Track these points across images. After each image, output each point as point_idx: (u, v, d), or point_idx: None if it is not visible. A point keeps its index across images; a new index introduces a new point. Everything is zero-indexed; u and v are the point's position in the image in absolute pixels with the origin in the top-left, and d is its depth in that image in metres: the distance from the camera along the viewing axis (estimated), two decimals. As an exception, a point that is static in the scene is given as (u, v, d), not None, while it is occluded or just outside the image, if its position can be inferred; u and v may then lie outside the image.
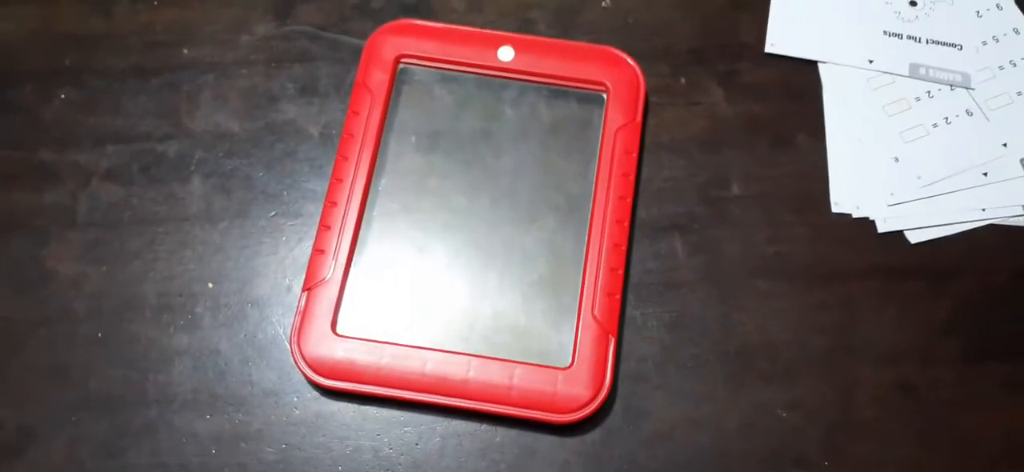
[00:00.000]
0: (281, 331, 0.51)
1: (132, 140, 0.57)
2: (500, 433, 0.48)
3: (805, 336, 0.50)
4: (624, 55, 0.56)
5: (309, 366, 0.47)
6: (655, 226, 0.53)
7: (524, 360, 0.47)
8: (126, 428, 0.48)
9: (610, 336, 0.48)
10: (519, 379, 0.47)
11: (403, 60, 0.56)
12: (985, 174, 0.54)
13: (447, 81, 0.56)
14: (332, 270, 0.50)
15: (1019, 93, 0.57)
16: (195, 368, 0.50)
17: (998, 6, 0.60)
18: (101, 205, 0.54)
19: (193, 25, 0.61)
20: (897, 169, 0.55)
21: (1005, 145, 0.55)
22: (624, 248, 0.50)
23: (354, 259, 0.51)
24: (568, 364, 0.47)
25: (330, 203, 0.52)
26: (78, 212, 0.54)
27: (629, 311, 0.51)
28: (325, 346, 0.48)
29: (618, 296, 0.49)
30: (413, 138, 0.55)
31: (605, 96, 0.55)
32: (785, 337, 0.50)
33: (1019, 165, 0.55)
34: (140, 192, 0.55)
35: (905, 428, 0.48)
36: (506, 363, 0.47)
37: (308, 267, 0.50)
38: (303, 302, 0.49)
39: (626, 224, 0.51)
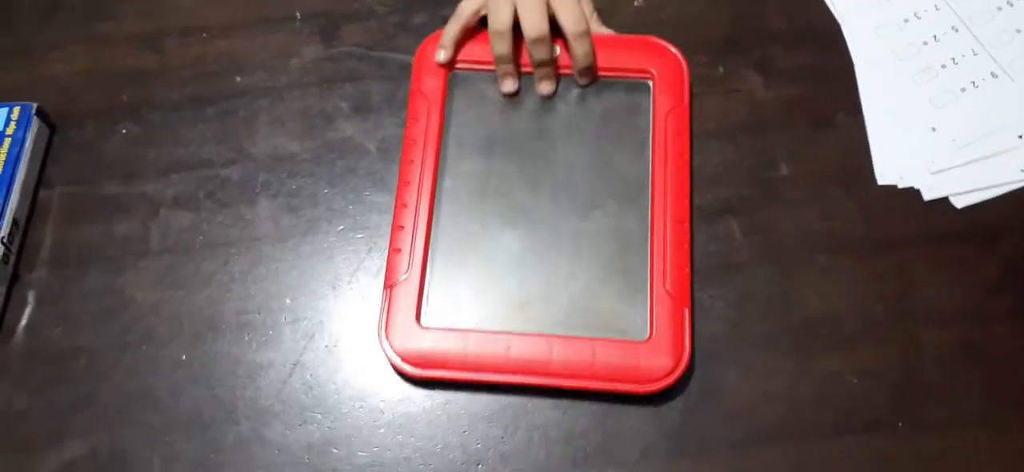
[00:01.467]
0: (360, 339, 0.52)
1: (195, 167, 0.58)
2: (583, 419, 0.49)
3: (865, 305, 0.52)
4: (665, 43, 0.58)
5: (400, 358, 0.49)
6: (710, 210, 0.55)
7: (604, 336, 0.49)
8: (218, 445, 0.50)
9: (684, 308, 0.50)
10: (601, 355, 0.48)
11: (456, 66, 0.58)
12: (1020, 136, 0.57)
13: (498, 81, 0.58)
14: (409, 267, 0.51)
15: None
16: (281, 381, 0.51)
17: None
18: (172, 232, 0.56)
19: (243, 54, 0.63)
20: (934, 138, 0.57)
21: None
22: (687, 223, 0.52)
23: (430, 255, 0.52)
24: (647, 337, 0.49)
25: (401, 205, 0.53)
26: (150, 240, 0.56)
27: (696, 294, 0.52)
28: (412, 338, 0.49)
29: (687, 270, 0.51)
30: (471, 137, 0.57)
31: (651, 83, 0.57)
32: (846, 307, 0.52)
33: (1051, 125, 0.57)
34: (209, 217, 0.56)
35: (970, 385, 0.50)
36: (587, 340, 0.49)
37: (387, 266, 0.52)
38: (386, 300, 0.50)
39: (686, 201, 0.53)
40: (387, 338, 0.50)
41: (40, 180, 0.58)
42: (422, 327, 0.50)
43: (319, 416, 0.50)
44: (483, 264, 0.53)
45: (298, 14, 0.64)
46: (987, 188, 0.55)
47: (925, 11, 0.62)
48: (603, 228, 0.53)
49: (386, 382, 0.51)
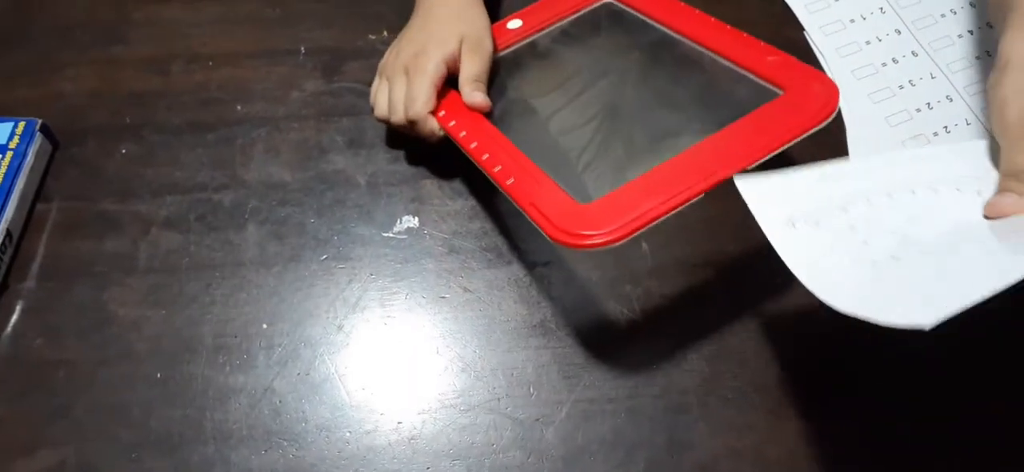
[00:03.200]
0: (331, 368, 0.53)
1: (189, 190, 0.60)
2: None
3: (842, 363, 0.52)
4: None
5: (597, 234, 0.46)
6: (692, 262, 0.55)
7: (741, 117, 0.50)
8: (185, 465, 0.50)
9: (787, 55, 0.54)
10: (755, 126, 0.49)
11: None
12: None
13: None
14: (534, 178, 0.50)
15: None
16: (251, 406, 0.52)
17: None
18: (160, 252, 0.57)
19: (246, 83, 0.65)
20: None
21: None
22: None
23: (540, 162, 0.52)
24: (784, 91, 0.51)
25: (488, 162, 0.53)
26: (139, 258, 0.57)
27: (669, 337, 0.52)
28: (589, 217, 0.47)
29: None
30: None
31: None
32: (821, 366, 0.52)
33: None
34: (197, 239, 0.58)
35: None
36: (731, 127, 0.49)
37: (514, 192, 0.50)
38: (536, 210, 0.48)
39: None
40: (572, 231, 0.46)
41: (39, 194, 0.60)
42: (587, 204, 0.48)
43: (285, 443, 0.50)
44: (587, 144, 0.54)
45: (303, 48, 0.66)
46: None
47: (921, 80, 0.62)
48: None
49: (353, 413, 0.51)
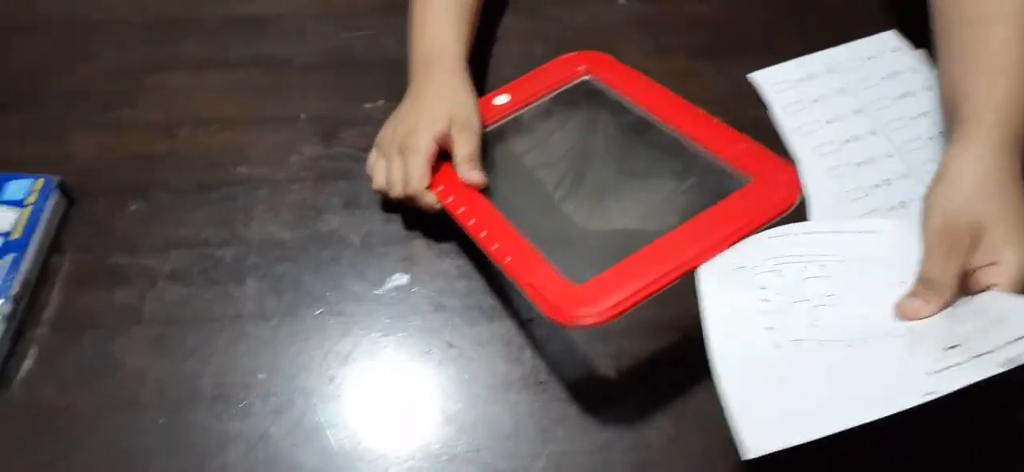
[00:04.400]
0: (324, 418, 0.56)
1: (194, 246, 0.64)
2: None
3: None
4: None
5: (591, 314, 0.51)
6: (659, 326, 0.59)
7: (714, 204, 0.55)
8: (184, 507, 0.53)
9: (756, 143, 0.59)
10: (728, 212, 0.54)
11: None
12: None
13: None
14: (528, 259, 0.55)
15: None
16: (246, 452, 0.55)
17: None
18: (165, 304, 0.61)
19: (248, 147, 0.69)
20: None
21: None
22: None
23: (534, 240, 0.56)
24: (753, 179, 0.56)
25: (485, 239, 0.58)
26: (145, 310, 0.61)
27: (638, 399, 0.56)
28: (582, 297, 0.52)
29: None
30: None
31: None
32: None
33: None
34: (200, 292, 0.61)
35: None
36: (705, 214, 0.54)
37: (511, 270, 0.55)
38: (532, 294, 0.53)
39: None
40: (567, 311, 0.51)
41: (54, 246, 0.64)
42: (580, 285, 0.52)
43: (279, 488, 0.54)
44: (577, 226, 0.59)
45: (302, 115, 0.71)
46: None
47: (878, 157, 0.67)
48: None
49: (342, 461, 0.54)
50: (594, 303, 0.51)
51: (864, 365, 0.45)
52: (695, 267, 0.52)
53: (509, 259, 0.55)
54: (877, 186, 0.65)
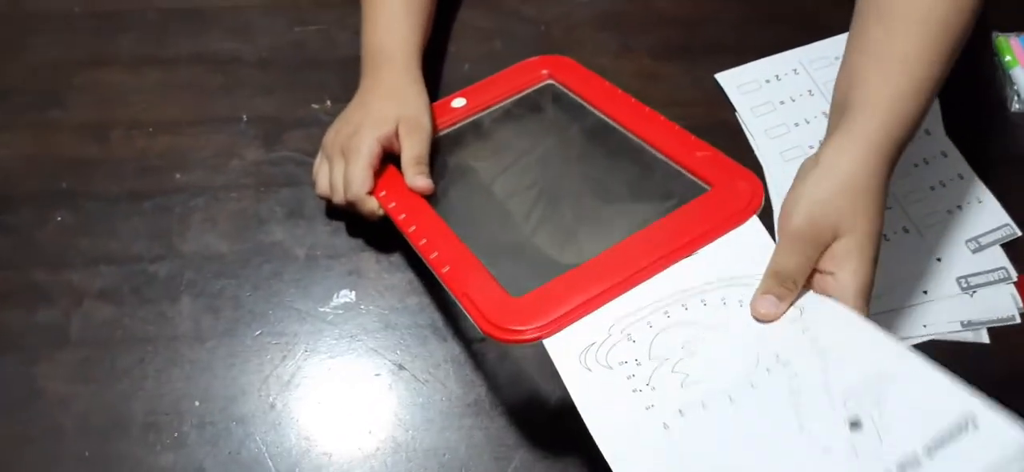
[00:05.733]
0: (264, 448, 0.52)
1: (124, 261, 0.59)
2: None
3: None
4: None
5: (531, 329, 0.47)
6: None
7: (667, 213, 0.52)
8: (110, 547, 0.50)
9: (713, 149, 0.56)
10: (680, 223, 0.51)
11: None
12: (925, 292, 0.59)
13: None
14: (467, 267, 0.51)
15: (949, 211, 0.62)
16: (180, 486, 0.51)
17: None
18: (93, 324, 0.57)
19: (186, 151, 0.65)
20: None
21: (939, 260, 0.60)
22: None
23: (475, 249, 0.52)
24: (711, 187, 0.53)
25: (425, 247, 0.54)
26: (70, 331, 0.56)
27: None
28: (520, 311, 0.48)
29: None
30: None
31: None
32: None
33: (955, 283, 0.59)
34: (131, 312, 0.57)
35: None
36: (657, 224, 0.51)
37: (448, 280, 0.51)
38: (469, 303, 0.49)
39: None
40: (502, 326, 0.47)
41: (-31, 262, 0.59)
42: (518, 298, 0.49)
43: (213, 525, 0.50)
44: (523, 235, 0.55)
45: (244, 117, 0.66)
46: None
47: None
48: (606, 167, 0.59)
49: (283, 495, 0.51)
50: (533, 318, 0.47)
51: (756, 428, 0.42)
52: (646, 279, 0.48)
53: (447, 268, 0.51)
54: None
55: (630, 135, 0.59)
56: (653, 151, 0.57)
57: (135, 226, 0.61)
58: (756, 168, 0.64)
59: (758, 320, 0.46)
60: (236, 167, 0.64)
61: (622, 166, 0.59)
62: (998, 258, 0.59)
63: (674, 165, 0.56)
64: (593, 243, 0.52)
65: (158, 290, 0.58)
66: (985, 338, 0.57)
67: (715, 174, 0.54)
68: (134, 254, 0.60)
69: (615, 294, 0.48)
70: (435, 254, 0.52)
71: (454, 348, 0.56)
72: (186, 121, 0.66)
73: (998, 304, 0.57)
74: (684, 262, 0.49)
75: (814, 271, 0.47)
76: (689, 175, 0.55)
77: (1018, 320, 0.57)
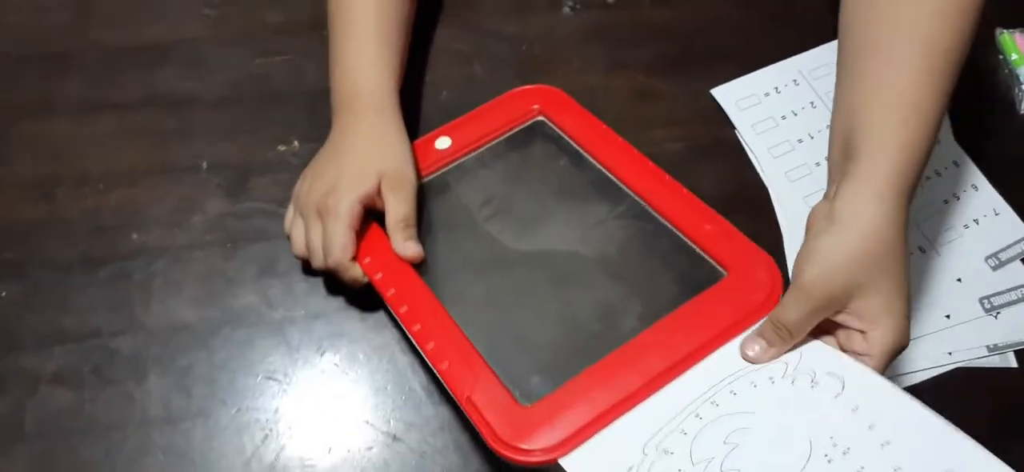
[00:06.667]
0: (251, 541, 0.48)
1: (82, 338, 0.54)
2: None
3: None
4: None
5: (544, 452, 0.43)
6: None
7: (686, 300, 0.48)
8: None
9: (733, 228, 0.51)
10: (697, 313, 0.47)
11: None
12: (948, 316, 0.55)
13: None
14: (475, 371, 0.46)
15: (966, 226, 0.58)
16: None
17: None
18: (50, 413, 0.51)
19: (142, 207, 0.59)
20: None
21: (959, 280, 0.56)
22: None
23: (480, 346, 0.48)
24: (727, 273, 0.49)
25: (420, 336, 0.49)
26: (25, 422, 0.51)
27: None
28: (532, 422, 0.44)
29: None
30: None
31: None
32: None
33: (978, 305, 0.56)
34: (93, 395, 0.52)
35: None
36: (674, 314, 0.47)
37: (451, 383, 0.46)
38: (476, 412, 0.45)
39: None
40: (511, 443, 0.43)
41: (-95, 349, 0.53)
42: (528, 406, 0.45)
43: None
44: (527, 320, 0.50)
45: (204, 163, 0.61)
46: (912, 372, 0.54)
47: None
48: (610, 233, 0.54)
49: None
50: (547, 431, 0.43)
51: None
52: (668, 383, 0.45)
53: (446, 365, 0.47)
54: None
55: (636, 197, 0.54)
56: (662, 220, 0.53)
57: (91, 297, 0.55)
58: (761, 190, 0.60)
59: (745, 359, 0.45)
60: (199, 222, 0.58)
61: (630, 237, 0.54)
62: (1019, 274, 0.56)
63: (685, 240, 0.52)
64: (605, 334, 0.48)
65: (121, 369, 0.53)
66: (1012, 362, 0.54)
67: (729, 256, 0.50)
68: (92, 329, 0.54)
69: (636, 402, 0.44)
70: (431, 345, 0.48)
71: (449, 413, 0.52)
72: (141, 172, 0.61)
73: (1021, 325, 0.54)
74: (706, 360, 0.46)
75: (838, 327, 0.45)
76: (702, 254, 0.51)
77: (1045, 341, 0.54)
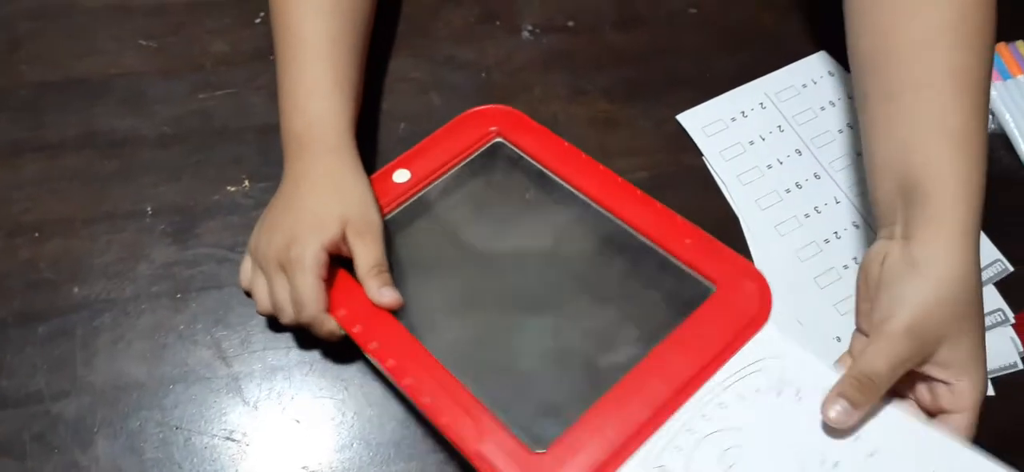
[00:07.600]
0: None
1: (20, 403, 0.50)
2: None
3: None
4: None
5: None
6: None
7: (679, 321, 0.46)
8: None
9: (715, 240, 0.50)
10: (696, 331, 0.46)
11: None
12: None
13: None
14: (479, 422, 0.44)
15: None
16: None
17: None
18: (-14, 490, 0.47)
19: (82, 257, 0.55)
20: (840, 347, 0.54)
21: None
22: None
23: (479, 394, 0.45)
24: (716, 289, 0.48)
25: (413, 390, 0.46)
26: (-42, 503, 0.47)
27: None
28: (547, 464, 0.42)
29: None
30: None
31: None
32: None
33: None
34: (36, 466, 0.48)
35: None
36: (674, 335, 0.46)
37: (455, 436, 0.44)
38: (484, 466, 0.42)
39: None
40: None
41: None
42: (542, 453, 0.42)
43: None
44: (521, 358, 0.48)
45: (149, 208, 0.57)
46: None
47: (826, 205, 0.60)
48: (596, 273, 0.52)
49: None
50: None
51: None
52: (675, 411, 0.43)
53: (446, 418, 0.44)
54: (828, 241, 0.58)
55: (610, 217, 0.52)
56: (641, 238, 0.51)
57: (29, 358, 0.51)
58: (732, 220, 0.59)
59: (827, 421, 0.42)
60: (145, 272, 0.55)
61: (612, 259, 0.52)
62: (993, 299, 0.56)
63: (668, 257, 0.50)
64: (605, 365, 0.46)
65: (66, 435, 0.49)
66: (989, 390, 0.54)
67: (714, 269, 0.49)
68: (32, 393, 0.50)
69: (649, 433, 0.43)
70: (428, 399, 0.45)
71: (419, 466, 0.49)
72: (79, 220, 0.57)
73: (999, 350, 0.54)
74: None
75: (919, 379, 0.44)
76: (687, 270, 0.49)
77: (1020, 365, 0.54)
